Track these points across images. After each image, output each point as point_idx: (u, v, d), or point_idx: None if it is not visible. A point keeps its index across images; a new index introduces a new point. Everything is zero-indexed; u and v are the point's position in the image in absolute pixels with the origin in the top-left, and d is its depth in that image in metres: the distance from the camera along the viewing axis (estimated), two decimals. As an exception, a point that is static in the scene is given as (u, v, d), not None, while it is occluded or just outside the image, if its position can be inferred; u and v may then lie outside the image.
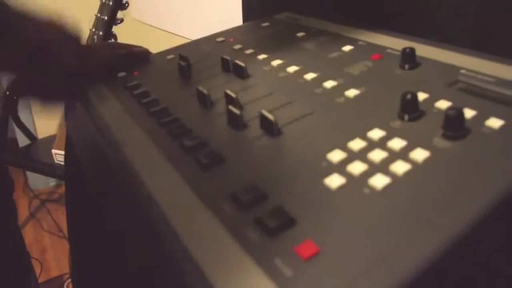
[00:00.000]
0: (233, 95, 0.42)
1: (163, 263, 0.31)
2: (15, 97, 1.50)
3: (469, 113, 0.34)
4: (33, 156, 1.54)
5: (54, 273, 1.52)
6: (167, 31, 1.47)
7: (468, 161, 0.30)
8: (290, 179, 0.32)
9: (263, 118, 0.38)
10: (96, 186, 0.49)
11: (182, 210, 0.31)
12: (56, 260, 1.58)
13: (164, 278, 0.31)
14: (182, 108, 0.45)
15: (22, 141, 1.75)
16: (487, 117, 0.34)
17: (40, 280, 1.37)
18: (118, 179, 0.41)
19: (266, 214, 0.29)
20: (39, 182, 1.96)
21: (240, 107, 0.42)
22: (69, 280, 1.42)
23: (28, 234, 1.70)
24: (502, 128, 0.32)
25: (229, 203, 0.31)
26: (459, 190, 0.28)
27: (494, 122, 0.33)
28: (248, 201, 0.30)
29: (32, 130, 1.72)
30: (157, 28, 1.53)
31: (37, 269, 1.41)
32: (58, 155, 1.43)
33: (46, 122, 1.94)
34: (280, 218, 0.28)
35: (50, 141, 1.55)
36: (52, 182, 1.99)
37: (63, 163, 1.43)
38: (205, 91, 0.44)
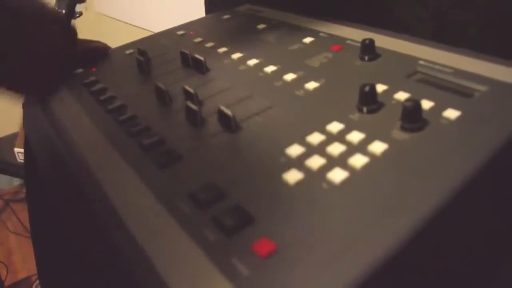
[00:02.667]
0: (191, 90, 0.41)
1: (119, 264, 0.30)
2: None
3: (427, 104, 0.34)
4: (-5, 156, 1.48)
5: (22, 275, 1.48)
6: (130, 24, 1.43)
7: (426, 152, 0.30)
8: (248, 176, 0.32)
9: (221, 114, 0.37)
10: (54, 187, 0.47)
11: (138, 211, 0.30)
12: (23, 262, 1.53)
13: (121, 279, 0.30)
14: (140, 105, 0.44)
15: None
16: (445, 108, 0.34)
17: (6, 283, 1.33)
18: (75, 180, 0.39)
19: (223, 213, 0.28)
20: (2, 181, 1.89)
21: (198, 102, 0.41)
22: (38, 281, 1.38)
23: (-7, 236, 1.65)
24: (458, 118, 0.33)
25: (186, 202, 0.30)
26: (416, 182, 0.28)
27: (451, 113, 0.33)
28: (206, 200, 0.30)
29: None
30: (120, 21, 1.49)
31: (3, 272, 1.37)
32: (21, 153, 1.38)
33: (5, 120, 1.87)
34: (238, 217, 0.28)
35: (11, 139, 1.50)
36: (16, 181, 1.93)
37: (26, 162, 1.39)
38: (163, 87, 0.43)
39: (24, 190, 1.91)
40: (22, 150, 1.37)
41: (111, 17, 1.56)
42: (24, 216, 1.72)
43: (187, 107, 0.39)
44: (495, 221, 0.33)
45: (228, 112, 0.36)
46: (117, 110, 0.44)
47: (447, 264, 0.30)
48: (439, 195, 0.27)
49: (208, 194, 0.30)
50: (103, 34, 1.49)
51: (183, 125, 0.39)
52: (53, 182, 0.46)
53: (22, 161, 1.39)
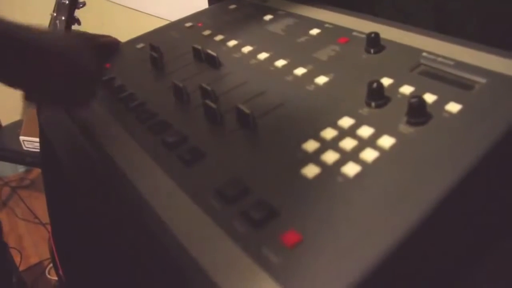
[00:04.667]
0: (208, 88, 0.43)
1: (159, 257, 0.33)
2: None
3: (430, 98, 0.37)
4: (0, 144, 1.51)
5: (34, 260, 1.52)
6: (129, 8, 1.44)
7: (430, 145, 0.33)
8: (270, 171, 0.34)
9: (239, 112, 0.39)
10: (78, 181, 0.50)
11: (173, 207, 0.33)
12: (34, 247, 1.58)
13: (160, 270, 0.33)
14: (159, 102, 0.47)
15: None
16: (447, 102, 0.36)
17: (20, 269, 1.37)
18: (102, 176, 0.42)
19: (250, 207, 0.31)
20: (7, 169, 1.92)
21: (215, 99, 0.43)
22: (50, 265, 1.43)
23: (3, 223, 1.68)
24: (460, 112, 0.35)
25: (215, 198, 0.33)
26: (422, 174, 0.31)
27: (453, 107, 0.36)
28: (232, 195, 0.32)
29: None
30: (119, 4, 1.49)
31: (17, 258, 1.41)
32: (27, 141, 1.41)
33: (8, 109, 1.88)
34: (264, 210, 0.30)
35: (15, 127, 1.52)
36: (21, 168, 1.96)
37: (32, 149, 1.41)
38: (180, 85, 0.45)
39: (30, 176, 1.94)
40: (27, 138, 1.39)
41: (110, 1, 1.55)
42: (31, 202, 1.75)
43: (206, 105, 0.41)
44: (494, 206, 0.36)
45: (246, 110, 0.39)
46: (138, 108, 0.46)
47: (451, 246, 0.33)
48: (444, 185, 0.30)
49: (234, 189, 0.33)
50: (103, 19, 1.49)
51: (202, 122, 0.42)
52: (77, 177, 0.49)
53: (27, 148, 1.41)
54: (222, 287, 0.27)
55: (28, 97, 0.43)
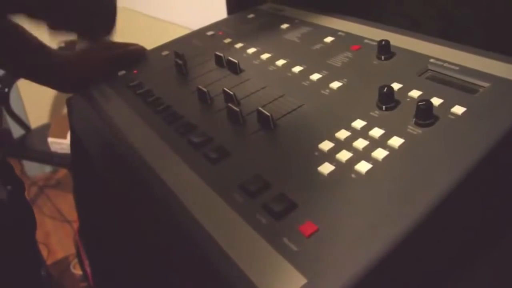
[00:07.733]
0: (231, 93, 0.47)
1: (186, 249, 0.36)
2: (6, 90, 1.53)
3: (437, 101, 0.40)
4: (30, 146, 1.57)
5: (60, 255, 1.59)
6: (153, 17, 1.48)
7: (437, 145, 0.36)
8: (289, 168, 0.38)
9: (260, 114, 0.43)
10: (110, 181, 0.54)
11: (200, 202, 0.37)
12: (60, 243, 1.64)
13: (185, 261, 0.37)
14: (184, 105, 0.50)
15: (15, 131, 1.78)
16: (453, 105, 0.39)
17: (47, 263, 1.44)
18: (133, 176, 0.46)
19: (271, 200, 0.34)
20: (35, 169, 2.00)
21: (238, 103, 0.47)
22: (75, 260, 1.49)
23: (30, 220, 1.75)
24: (464, 114, 0.38)
25: (239, 193, 0.36)
26: (429, 171, 0.34)
27: (458, 109, 0.39)
28: (255, 190, 0.36)
29: (24, 120, 1.75)
30: (143, 14, 1.54)
31: (44, 253, 1.48)
32: (54, 143, 1.47)
33: (37, 112, 1.96)
34: (284, 203, 0.34)
35: (44, 129, 1.58)
36: (48, 168, 2.03)
37: (59, 151, 1.48)
38: (205, 89, 0.49)
39: (56, 176, 2.01)
40: (55, 140, 1.46)
41: (134, 10, 1.60)
42: (58, 201, 1.82)
43: (229, 108, 0.45)
44: (496, 202, 0.39)
45: (266, 112, 0.42)
46: (165, 111, 0.50)
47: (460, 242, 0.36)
48: (449, 181, 0.33)
49: (256, 185, 0.36)
50: (129, 28, 1.54)
51: (226, 123, 0.46)
52: (110, 177, 0.52)
53: (55, 150, 1.48)
54: (248, 274, 0.31)
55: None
